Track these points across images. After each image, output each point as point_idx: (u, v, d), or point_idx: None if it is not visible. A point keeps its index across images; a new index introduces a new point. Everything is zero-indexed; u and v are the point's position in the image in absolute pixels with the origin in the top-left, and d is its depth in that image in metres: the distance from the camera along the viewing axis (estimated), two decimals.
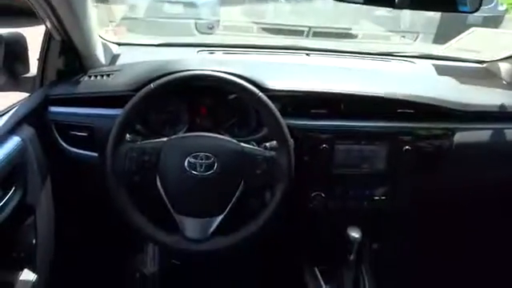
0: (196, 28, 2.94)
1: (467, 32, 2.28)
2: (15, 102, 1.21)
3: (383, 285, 1.51)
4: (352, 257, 1.41)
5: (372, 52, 1.78)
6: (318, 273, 1.54)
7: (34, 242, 1.17)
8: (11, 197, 1.07)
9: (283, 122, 1.15)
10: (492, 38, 2.03)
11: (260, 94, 1.15)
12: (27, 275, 1.17)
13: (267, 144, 1.21)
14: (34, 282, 1.16)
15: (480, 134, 1.39)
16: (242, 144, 1.15)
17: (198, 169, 1.10)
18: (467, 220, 2.08)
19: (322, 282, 1.50)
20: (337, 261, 1.51)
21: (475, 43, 2.06)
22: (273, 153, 1.16)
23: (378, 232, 1.68)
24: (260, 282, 1.87)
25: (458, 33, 2.24)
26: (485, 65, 1.81)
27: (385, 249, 2.10)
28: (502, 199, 1.69)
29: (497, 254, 1.96)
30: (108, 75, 1.34)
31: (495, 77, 1.74)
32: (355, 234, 1.38)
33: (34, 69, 1.31)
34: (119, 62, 1.54)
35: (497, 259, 1.95)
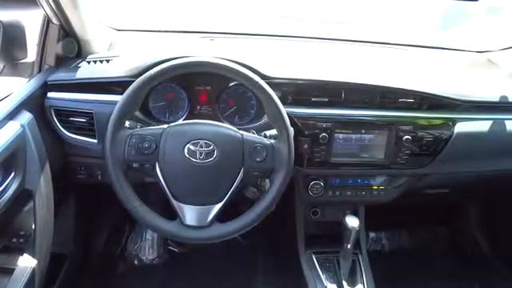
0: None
1: (469, 21, 2.26)
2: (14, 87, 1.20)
3: (379, 273, 1.52)
4: (349, 245, 1.42)
5: (373, 40, 1.77)
6: (315, 260, 1.55)
7: (33, 227, 1.17)
8: (10, 182, 1.07)
9: (283, 109, 1.15)
10: (494, 27, 2.01)
11: (260, 81, 1.14)
12: (26, 260, 1.17)
13: (267, 132, 1.21)
14: (33, 267, 1.16)
15: (481, 125, 1.39)
16: (242, 132, 1.15)
17: (198, 156, 1.10)
18: (465, 210, 2.09)
19: (319, 270, 1.51)
20: (334, 249, 1.52)
21: (476, 32, 2.04)
22: (272, 141, 1.15)
23: (375, 221, 1.69)
24: (257, 268, 1.89)
25: (459, 22, 2.22)
26: (486, 54, 1.81)
27: (382, 238, 2.12)
28: (500, 190, 1.70)
29: (491, 241, 1.98)
30: (107, 61, 1.33)
31: (496, 66, 1.73)
32: (353, 222, 1.38)
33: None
34: (118, 47, 1.53)
35: (492, 246, 1.97)
